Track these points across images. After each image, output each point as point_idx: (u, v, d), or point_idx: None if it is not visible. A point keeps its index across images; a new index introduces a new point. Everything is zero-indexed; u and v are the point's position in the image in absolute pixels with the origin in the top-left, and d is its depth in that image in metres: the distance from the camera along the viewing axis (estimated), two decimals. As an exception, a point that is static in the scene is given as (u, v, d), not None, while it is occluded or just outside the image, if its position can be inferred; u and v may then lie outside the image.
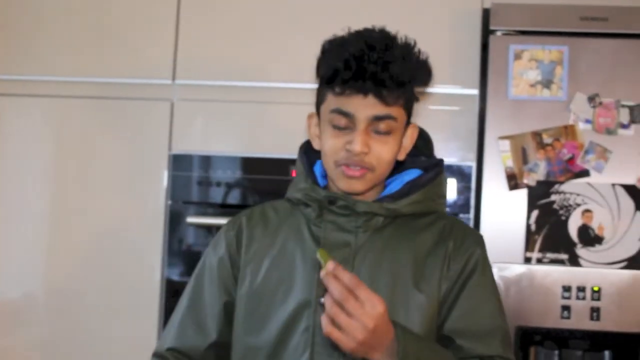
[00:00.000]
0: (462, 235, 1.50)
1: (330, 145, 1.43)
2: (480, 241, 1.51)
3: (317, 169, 1.55)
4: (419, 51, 1.44)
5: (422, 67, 1.45)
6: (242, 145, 2.24)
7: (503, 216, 2.06)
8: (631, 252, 2.01)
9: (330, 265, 1.23)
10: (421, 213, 1.50)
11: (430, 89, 2.26)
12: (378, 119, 1.40)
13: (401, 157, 1.49)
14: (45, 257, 2.37)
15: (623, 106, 2.04)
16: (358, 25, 2.36)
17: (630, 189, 2.02)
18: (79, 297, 2.31)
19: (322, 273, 1.23)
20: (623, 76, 2.05)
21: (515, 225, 2.05)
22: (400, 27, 2.24)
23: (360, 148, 1.38)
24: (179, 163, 2.30)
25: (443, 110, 2.26)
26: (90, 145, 2.36)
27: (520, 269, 2.04)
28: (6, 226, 2.38)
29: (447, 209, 2.18)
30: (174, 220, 2.31)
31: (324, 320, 1.24)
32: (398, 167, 1.55)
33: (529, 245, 2.05)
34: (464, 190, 2.20)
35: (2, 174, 2.40)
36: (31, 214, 2.38)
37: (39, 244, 2.38)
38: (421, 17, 2.27)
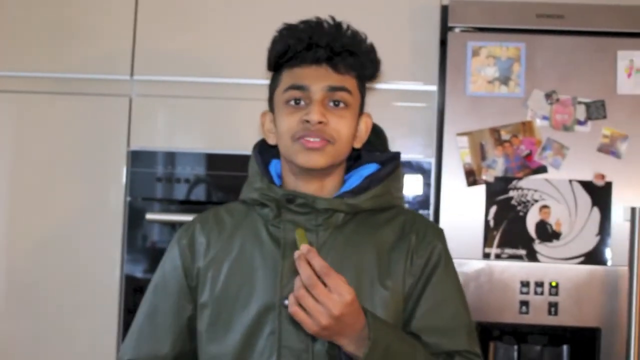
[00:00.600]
0: (424, 230, 1.49)
1: (286, 123, 1.42)
2: (441, 235, 1.52)
3: (272, 169, 1.54)
4: (366, 38, 1.47)
5: (371, 48, 1.47)
6: (204, 141, 2.24)
7: (462, 212, 2.08)
8: (588, 247, 2.03)
9: (304, 248, 1.23)
10: (381, 208, 1.50)
11: (389, 85, 2.24)
12: (333, 89, 1.40)
13: (357, 144, 1.49)
14: (2, 253, 2.35)
15: (579, 103, 2.06)
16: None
17: (586, 185, 2.04)
18: (38, 293, 2.30)
19: (296, 254, 1.23)
20: (579, 73, 2.07)
21: (473, 221, 2.07)
22: (359, 24, 2.25)
23: (318, 117, 1.37)
24: (138, 159, 2.28)
25: (402, 107, 2.26)
26: (49, 141, 2.35)
27: (479, 264, 2.06)
28: None
29: (407, 205, 2.19)
30: (134, 217, 2.29)
31: (291, 299, 1.24)
32: (355, 162, 1.55)
33: (487, 240, 2.06)
34: (423, 186, 2.21)
35: None
36: None
37: None
38: (380, 13, 2.26)
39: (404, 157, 2.14)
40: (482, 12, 2.12)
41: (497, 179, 2.07)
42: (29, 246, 2.34)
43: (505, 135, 2.07)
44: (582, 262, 2.04)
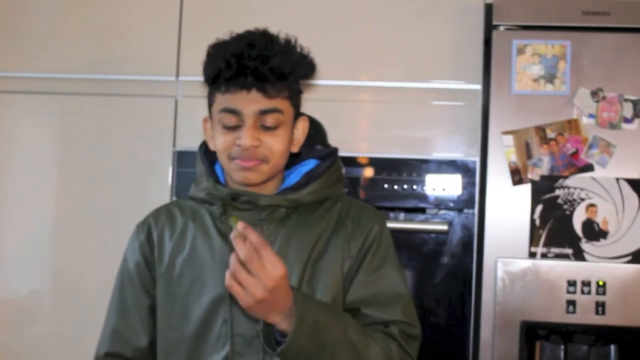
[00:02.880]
0: (359, 214, 1.55)
1: (221, 142, 1.45)
2: (377, 218, 1.56)
3: (217, 168, 1.58)
4: (300, 46, 1.48)
5: (303, 60, 1.48)
6: None
7: (507, 211, 2.06)
8: (636, 246, 2.01)
9: (240, 225, 1.27)
10: (320, 200, 1.55)
11: (429, 84, 2.25)
12: (264, 112, 1.42)
13: (295, 149, 1.53)
14: (51, 255, 2.38)
15: (626, 100, 2.04)
16: (362, 24, 2.31)
17: (634, 183, 2.02)
18: (85, 293, 2.32)
19: (232, 234, 1.27)
20: (626, 70, 2.05)
21: (519, 220, 2.05)
22: (404, 24, 2.32)
23: (250, 142, 1.41)
24: (183, 159, 2.31)
25: (446, 106, 2.26)
26: (95, 142, 2.37)
27: (525, 263, 2.04)
28: (12, 224, 2.39)
29: (452, 204, 2.22)
30: None
31: (227, 275, 1.27)
32: (295, 158, 1.58)
33: (533, 240, 2.04)
34: (467, 185, 2.21)
35: (7, 172, 2.41)
36: (37, 211, 2.39)
37: (45, 241, 2.38)
38: (424, 13, 2.27)
39: (448, 156, 2.23)
40: (526, 10, 2.11)
41: (542, 177, 2.05)
42: (77, 247, 2.36)
43: (550, 134, 2.05)
44: (629, 261, 2.01)
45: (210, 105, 1.52)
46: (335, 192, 1.58)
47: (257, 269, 1.26)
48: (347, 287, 1.51)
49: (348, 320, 1.43)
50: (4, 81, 2.42)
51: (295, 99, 1.51)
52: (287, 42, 1.47)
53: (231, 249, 1.40)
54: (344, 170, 1.67)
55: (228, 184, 1.54)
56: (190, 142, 2.31)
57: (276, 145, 1.46)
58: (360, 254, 1.52)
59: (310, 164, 1.57)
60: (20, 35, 2.42)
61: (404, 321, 1.48)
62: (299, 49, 1.48)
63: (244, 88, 1.41)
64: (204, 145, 1.60)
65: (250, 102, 1.42)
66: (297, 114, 1.54)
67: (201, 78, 2.24)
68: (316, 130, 1.68)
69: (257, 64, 1.40)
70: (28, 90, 2.41)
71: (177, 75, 2.34)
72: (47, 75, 2.40)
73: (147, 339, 1.56)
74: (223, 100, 1.45)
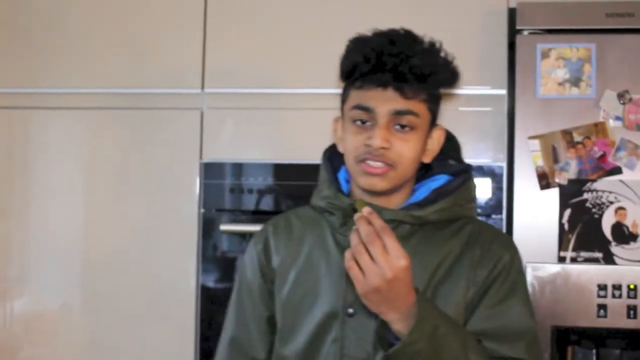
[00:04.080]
0: (490, 241, 1.48)
1: (351, 142, 1.41)
2: (508, 245, 1.49)
3: (341, 175, 1.54)
4: (445, 51, 1.43)
5: (446, 64, 1.43)
6: (272, 151, 2.24)
7: (535, 216, 2.04)
8: None
9: (366, 210, 1.24)
10: (448, 220, 1.48)
11: (457, 90, 2.21)
12: (398, 113, 1.38)
13: (427, 159, 1.48)
14: (81, 267, 2.39)
15: None
16: (387, 27, 2.33)
17: None
18: (116, 305, 2.33)
19: (357, 215, 1.24)
20: None
21: (548, 225, 2.03)
22: (427, 29, 2.21)
23: (380, 143, 1.36)
24: (210, 171, 2.30)
25: (472, 111, 2.25)
26: (122, 155, 2.38)
27: (554, 268, 2.02)
28: (42, 238, 2.40)
29: (479, 210, 2.18)
30: (208, 228, 2.31)
31: (347, 255, 1.24)
32: (426, 172, 1.53)
33: (562, 244, 2.02)
34: (495, 190, 2.19)
35: (37, 186, 2.42)
36: (66, 224, 2.39)
37: (75, 254, 2.39)
38: (447, 18, 2.26)
39: (475, 161, 2.12)
40: (550, 14, 2.09)
41: (570, 181, 2.03)
42: (107, 260, 2.37)
43: (577, 137, 2.03)
44: None
45: (342, 102, 1.47)
46: (465, 213, 1.52)
47: (379, 254, 1.23)
48: (468, 317, 1.45)
49: (471, 340, 1.38)
50: (39, 97, 2.43)
51: (433, 105, 1.46)
52: (431, 44, 1.43)
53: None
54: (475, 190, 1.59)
55: (352, 193, 1.50)
56: (217, 153, 2.34)
57: (407, 150, 1.41)
58: (487, 283, 1.45)
59: (441, 180, 1.52)
60: (48, 52, 2.43)
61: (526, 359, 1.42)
62: (442, 53, 1.44)
63: (380, 85, 1.38)
64: (329, 151, 1.57)
65: (385, 100, 1.38)
66: (434, 122, 1.48)
67: (226, 90, 2.27)
68: (452, 145, 1.63)
69: (397, 62, 1.37)
70: (56, 106, 2.42)
71: (203, 87, 2.33)
72: (77, 90, 2.41)
73: (264, 352, 1.54)
74: (357, 96, 1.41)
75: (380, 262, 1.22)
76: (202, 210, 2.29)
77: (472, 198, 1.55)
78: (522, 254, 1.98)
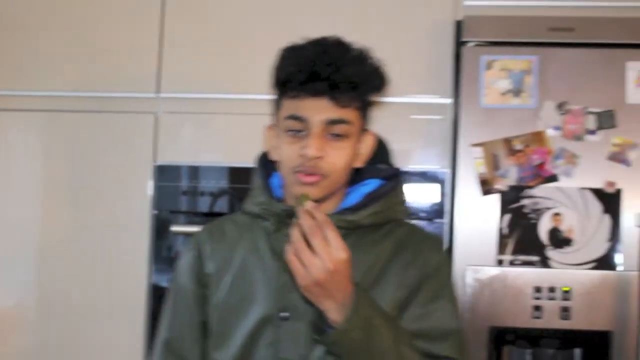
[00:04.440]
0: (420, 243, 1.48)
1: (286, 152, 1.40)
2: (438, 247, 1.51)
3: (274, 181, 1.53)
4: (374, 57, 1.42)
5: (376, 71, 1.43)
6: (227, 155, 2.23)
7: (476, 220, 2.07)
8: (599, 253, 2.02)
9: (309, 204, 1.24)
10: (381, 223, 1.49)
11: (402, 98, 2.23)
12: (332, 122, 1.37)
13: (358, 164, 1.47)
14: (35, 266, 2.37)
15: (590, 113, 2.05)
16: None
17: (597, 193, 2.04)
18: (69, 304, 2.31)
19: (301, 209, 1.25)
20: (590, 84, 2.06)
21: (488, 229, 2.06)
22: (376, 40, 2.20)
23: (314, 152, 1.35)
24: (164, 174, 2.29)
25: (418, 119, 2.26)
26: (77, 157, 2.37)
27: (493, 271, 2.05)
28: None
29: (423, 214, 2.20)
30: (161, 229, 2.30)
31: (289, 249, 1.25)
32: (357, 176, 1.53)
33: (501, 248, 2.05)
34: (439, 196, 2.21)
35: None
36: (21, 224, 2.39)
37: (29, 253, 2.38)
38: (396, 29, 2.27)
39: (420, 167, 2.23)
40: (495, 27, 2.12)
41: (510, 187, 2.06)
42: (60, 259, 2.36)
43: (518, 146, 2.06)
44: (593, 268, 2.02)
45: (276, 111, 1.45)
46: (396, 216, 1.51)
47: (320, 246, 1.23)
48: (399, 316, 1.45)
49: (405, 335, 1.39)
50: None
51: (365, 112, 1.44)
52: (361, 52, 1.42)
53: (283, 268, 1.37)
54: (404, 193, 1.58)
55: (285, 199, 1.48)
56: (170, 156, 2.33)
57: (340, 159, 1.39)
58: (417, 283, 1.45)
59: (372, 184, 1.52)
60: (7, 54, 2.42)
61: (453, 358, 1.42)
62: (372, 59, 1.43)
63: (315, 95, 1.36)
64: (262, 157, 1.55)
65: (319, 110, 1.36)
66: (365, 128, 1.47)
67: (181, 95, 2.27)
68: (382, 150, 1.63)
69: (331, 71, 1.35)
70: (14, 108, 2.41)
71: (158, 91, 2.33)
72: (33, 93, 2.40)
73: (198, 357, 1.52)
74: (290, 106, 1.39)
75: (322, 254, 1.23)
76: (155, 212, 2.29)
77: (403, 201, 1.54)
78: (462, 257, 2.16)
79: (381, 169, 1.55)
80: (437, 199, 2.22)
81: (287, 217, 1.41)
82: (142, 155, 2.32)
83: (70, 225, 2.36)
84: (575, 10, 2.19)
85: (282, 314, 1.39)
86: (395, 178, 1.52)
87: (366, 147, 1.47)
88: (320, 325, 1.32)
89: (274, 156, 1.47)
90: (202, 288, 1.51)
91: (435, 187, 2.22)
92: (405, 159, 2.22)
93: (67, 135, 2.38)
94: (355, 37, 2.23)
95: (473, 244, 2.06)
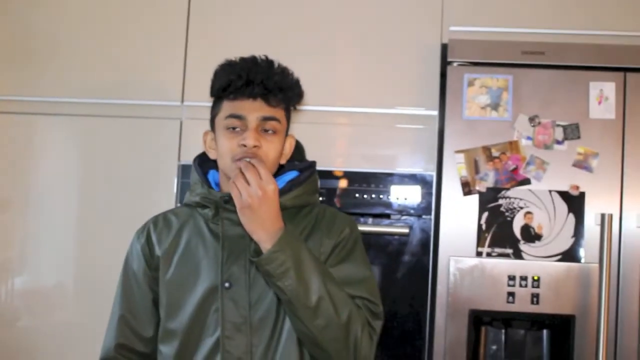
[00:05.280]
0: (333, 218, 1.56)
1: (226, 145, 1.46)
2: (348, 221, 1.57)
3: (210, 177, 1.58)
4: (293, 74, 1.52)
5: (296, 84, 1.52)
6: None
7: (458, 217, 2.08)
8: (565, 247, 2.04)
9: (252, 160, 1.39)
10: (300, 206, 1.55)
11: (394, 110, 2.27)
12: (265, 119, 1.46)
13: (283, 161, 1.55)
14: (74, 253, 2.41)
15: (558, 125, 2.07)
16: (339, 59, 2.30)
17: (563, 195, 2.05)
18: (102, 283, 2.21)
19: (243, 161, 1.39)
20: (558, 101, 2.07)
21: (468, 225, 2.08)
22: (374, 60, 2.23)
23: (253, 142, 1.43)
24: (187, 172, 2.28)
25: (409, 128, 2.29)
26: (111, 156, 2.39)
27: (472, 261, 2.07)
28: (40, 226, 2.41)
29: (412, 211, 2.24)
30: None
31: (231, 180, 1.38)
32: (279, 170, 1.58)
33: (480, 241, 2.07)
34: (426, 195, 2.24)
35: (39, 182, 2.43)
36: (61, 216, 2.41)
37: (68, 240, 2.41)
38: (391, 51, 2.30)
39: (410, 170, 2.26)
40: (476, 50, 2.13)
41: (488, 189, 2.07)
42: (96, 246, 2.38)
43: (495, 153, 2.07)
44: (559, 260, 2.04)
45: (214, 116, 1.52)
46: (312, 200, 1.59)
47: (253, 178, 1.36)
48: None
49: (328, 272, 1.44)
50: (38, 105, 2.44)
51: (288, 115, 1.53)
52: (283, 68, 1.50)
53: (223, 246, 1.46)
54: (319, 182, 1.66)
55: (221, 190, 1.53)
56: (193, 156, 2.19)
57: (271, 150, 1.47)
58: (335, 251, 1.51)
59: (292, 175, 1.57)
60: (48, 64, 2.44)
61: (367, 298, 1.48)
62: (292, 75, 1.51)
63: (251, 96, 1.45)
64: (199, 158, 1.61)
65: (254, 109, 1.45)
66: (287, 132, 1.55)
67: (202, 103, 2.17)
68: (297, 150, 1.69)
69: (263, 78, 1.45)
70: (56, 113, 2.43)
71: (182, 100, 2.36)
72: (72, 100, 2.42)
73: (152, 330, 1.55)
74: (230, 107, 1.47)
75: (253, 183, 1.35)
76: (179, 205, 2.11)
77: (316, 189, 1.62)
78: (446, 249, 2.09)
79: (298, 164, 1.62)
80: (425, 198, 2.24)
81: (224, 203, 1.48)
82: (169, 156, 2.35)
83: (103, 217, 2.38)
84: (545, 37, 2.21)
85: (225, 284, 1.45)
86: (311, 168, 1.60)
87: (288, 147, 1.56)
88: (256, 255, 1.39)
89: (211, 156, 1.55)
90: (152, 269, 1.55)
91: (423, 188, 2.24)
92: (396, 162, 2.29)
93: (101, 137, 2.41)
94: (355, 56, 2.25)
95: (455, 238, 2.08)
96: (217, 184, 1.56)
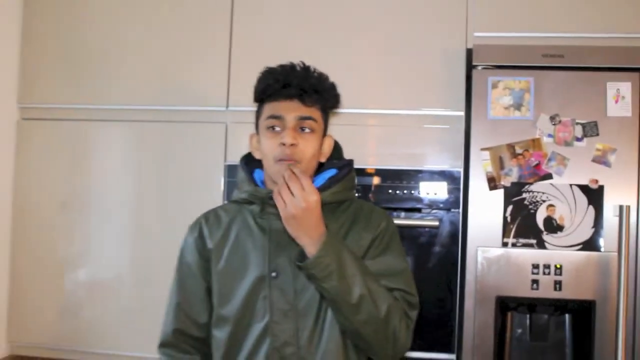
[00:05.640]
0: (370, 213, 1.57)
1: (268, 145, 1.49)
2: (384, 216, 1.58)
3: (256, 176, 1.60)
4: (328, 78, 1.54)
5: (332, 87, 1.54)
6: None
7: (485, 210, 2.09)
8: (585, 237, 2.05)
9: (293, 168, 1.39)
10: (339, 201, 1.56)
11: (423, 111, 2.26)
12: (302, 118, 1.48)
13: (322, 159, 1.57)
14: (130, 248, 2.45)
15: (577, 124, 2.06)
16: (371, 65, 2.24)
17: (583, 188, 2.06)
18: (155, 277, 2.35)
19: (286, 171, 1.38)
20: (577, 100, 2.07)
21: (494, 218, 2.08)
22: (404, 65, 2.17)
23: (290, 140, 1.45)
24: (232, 171, 2.32)
25: (437, 128, 2.29)
26: (164, 157, 2.42)
27: (499, 251, 2.07)
28: (100, 224, 2.46)
29: (441, 205, 2.24)
30: None
31: (275, 190, 1.39)
32: (319, 168, 1.60)
33: (505, 232, 2.07)
34: (454, 190, 2.24)
35: (97, 184, 2.47)
36: (118, 214, 2.45)
37: (126, 236, 2.45)
38: (420, 56, 2.30)
39: (438, 167, 2.26)
40: (499, 54, 2.13)
41: (512, 184, 2.07)
42: (149, 240, 2.42)
43: (518, 150, 2.07)
44: (580, 249, 2.04)
45: (257, 119, 1.54)
46: (350, 196, 1.59)
47: (297, 189, 1.36)
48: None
49: (368, 270, 1.45)
50: (96, 112, 2.48)
51: (325, 116, 1.54)
52: (321, 73, 1.53)
53: (269, 239, 1.48)
54: (356, 179, 1.66)
55: (266, 187, 1.55)
56: (238, 157, 2.00)
57: (308, 148, 1.48)
58: (374, 243, 1.53)
59: (331, 172, 1.58)
60: (107, 77, 2.46)
61: (404, 290, 1.50)
62: (327, 79, 1.53)
63: (288, 97, 1.47)
64: (245, 158, 1.63)
65: (292, 109, 1.47)
66: (325, 132, 1.56)
67: (245, 108, 2.26)
68: (336, 150, 1.70)
69: (299, 80, 1.48)
70: (113, 119, 2.46)
71: (227, 106, 2.38)
72: (127, 107, 2.45)
73: (206, 316, 1.57)
74: (270, 109, 1.50)
75: (297, 195, 1.35)
76: (226, 202, 2.31)
77: (354, 185, 1.62)
78: (474, 240, 2.09)
79: (337, 162, 1.63)
80: (453, 193, 2.25)
81: (269, 199, 1.49)
82: (215, 157, 2.37)
83: (157, 214, 2.41)
84: (565, 40, 2.20)
85: (272, 274, 1.48)
86: (348, 167, 1.61)
87: (327, 146, 1.58)
88: (301, 259, 1.41)
89: (256, 156, 1.57)
90: (204, 261, 1.58)
91: (451, 184, 2.25)
92: (425, 160, 2.29)
93: (153, 141, 2.44)
94: (385, 62, 2.18)
95: (482, 229, 2.09)
96: (262, 182, 1.58)
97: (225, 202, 2.33)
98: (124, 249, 2.46)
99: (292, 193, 1.37)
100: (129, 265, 2.46)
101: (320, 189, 1.50)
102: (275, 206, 1.46)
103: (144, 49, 2.47)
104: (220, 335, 1.54)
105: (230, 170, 2.36)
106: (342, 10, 2.38)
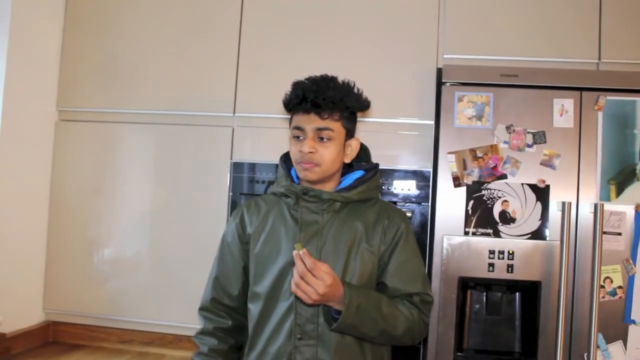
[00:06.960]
0: (392, 214, 1.58)
1: (292, 150, 1.53)
2: (404, 218, 1.59)
3: (293, 172, 1.62)
4: (355, 86, 1.53)
5: (352, 95, 1.51)
6: (275, 156, 1.95)
7: (450, 204, 2.12)
8: (533, 228, 2.08)
9: (301, 250, 1.34)
10: (364, 199, 1.57)
11: (398, 120, 2.27)
12: (319, 129, 1.48)
13: (347, 160, 1.57)
14: (148, 230, 2.48)
15: (528, 133, 2.09)
16: (354, 78, 2.08)
17: (533, 187, 2.08)
18: (172, 256, 2.41)
19: (294, 252, 1.35)
20: (528, 113, 2.10)
21: (458, 210, 2.11)
22: (383, 80, 2.23)
23: (307, 149, 1.47)
24: (237, 168, 2.35)
25: (411, 134, 2.31)
26: (177, 156, 2.44)
27: (461, 239, 2.10)
28: (124, 210, 2.48)
29: (413, 199, 2.25)
30: (234, 205, 2.35)
31: (292, 284, 1.36)
32: (349, 169, 1.63)
33: (467, 223, 2.10)
34: (424, 187, 2.26)
35: (122, 176, 2.48)
36: (140, 203, 2.47)
37: (145, 220, 2.47)
38: (398, 73, 2.32)
39: (412, 167, 2.27)
40: (465, 73, 2.16)
41: (474, 182, 2.10)
42: (165, 224, 2.45)
43: (479, 154, 2.10)
44: (529, 238, 2.07)
45: (289, 126, 1.56)
46: (374, 195, 1.60)
47: (311, 281, 1.33)
48: (381, 266, 1.52)
49: (382, 299, 1.45)
50: (121, 115, 2.50)
51: (345, 122, 1.52)
52: (346, 82, 1.52)
53: (300, 229, 1.47)
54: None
55: (300, 184, 1.57)
56: (242, 156, 2.35)
57: (326, 154, 1.48)
58: (393, 243, 1.53)
59: (359, 173, 1.60)
60: (131, 84, 2.48)
61: (422, 292, 1.52)
62: (351, 87, 1.51)
63: (306, 112, 1.49)
64: (284, 156, 1.64)
65: (309, 121, 1.48)
66: (350, 135, 1.55)
67: (250, 114, 2.36)
68: (363, 151, 1.70)
69: (315, 96, 1.46)
70: (135, 122, 2.48)
71: (234, 112, 2.39)
72: (148, 111, 2.47)
73: (237, 289, 1.62)
74: (295, 120, 1.52)
75: (313, 285, 1.33)
76: (231, 194, 2.36)
77: (379, 185, 1.63)
78: (440, 229, 2.11)
79: (364, 164, 1.65)
80: (423, 190, 2.26)
81: (303, 194, 1.53)
82: (223, 155, 2.39)
83: (172, 204, 2.43)
84: (519, 63, 2.25)
85: (295, 252, 1.44)
86: (374, 169, 1.62)
87: (352, 148, 1.58)
88: (328, 311, 1.45)
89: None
90: (243, 244, 1.61)
91: (422, 181, 2.26)
92: (400, 161, 2.30)
93: (170, 141, 2.46)
94: (369, 76, 2.17)
95: (448, 220, 2.11)
96: (298, 177, 1.61)
97: (230, 194, 2.36)
98: (143, 231, 2.48)
99: (307, 282, 1.35)
100: (147, 245, 2.49)
101: (348, 188, 1.53)
102: (308, 201, 1.50)
103: (165, 62, 2.50)
104: (254, 308, 1.58)
105: (236, 167, 2.37)
106: (331, 34, 2.39)
